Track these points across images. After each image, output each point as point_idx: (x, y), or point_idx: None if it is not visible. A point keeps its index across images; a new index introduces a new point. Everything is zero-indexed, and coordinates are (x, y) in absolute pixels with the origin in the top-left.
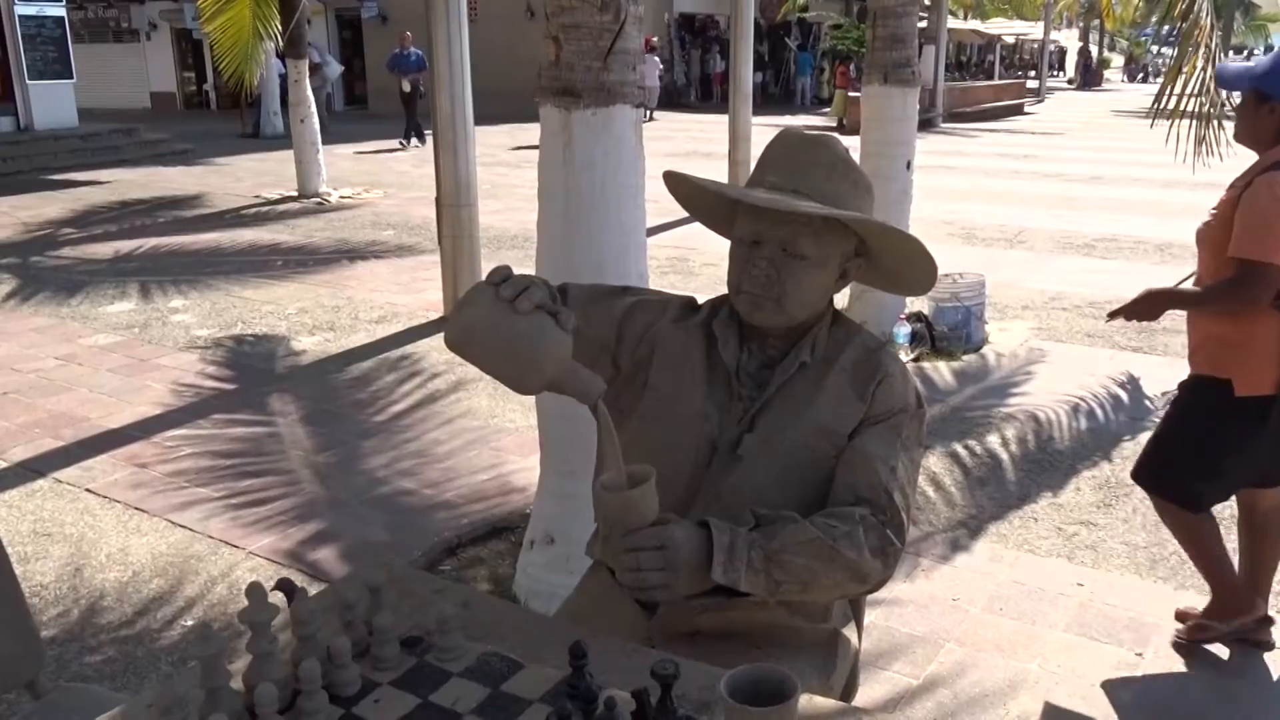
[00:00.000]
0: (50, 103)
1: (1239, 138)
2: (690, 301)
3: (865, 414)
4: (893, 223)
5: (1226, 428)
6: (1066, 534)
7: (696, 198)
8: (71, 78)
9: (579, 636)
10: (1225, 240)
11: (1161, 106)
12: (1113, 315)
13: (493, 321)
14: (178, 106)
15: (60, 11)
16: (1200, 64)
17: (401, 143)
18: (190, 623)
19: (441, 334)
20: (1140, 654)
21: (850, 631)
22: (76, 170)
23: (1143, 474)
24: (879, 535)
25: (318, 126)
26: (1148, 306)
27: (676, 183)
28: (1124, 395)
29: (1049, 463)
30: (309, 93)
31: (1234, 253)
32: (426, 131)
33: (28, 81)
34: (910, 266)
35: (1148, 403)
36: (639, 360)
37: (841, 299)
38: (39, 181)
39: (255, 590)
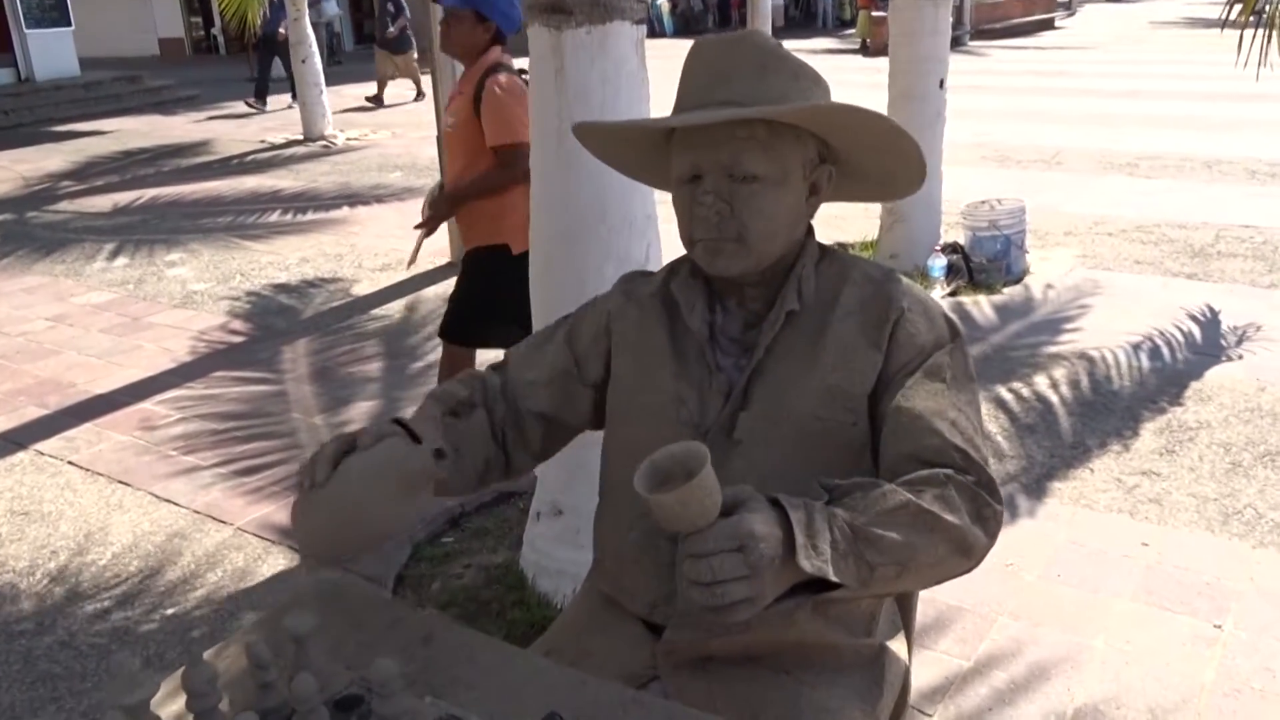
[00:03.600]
0: (50, 52)
1: (446, 49)
2: (639, 272)
3: (886, 364)
4: (926, 148)
5: (512, 282)
6: (1127, 486)
7: (617, 148)
8: (69, 25)
9: (562, 681)
10: (474, 139)
11: (1233, 17)
12: (419, 226)
13: (330, 498)
14: (186, 53)
15: None
16: None
17: (252, 103)
18: (171, 612)
19: (446, 281)
20: (1219, 625)
21: (899, 644)
22: (79, 121)
23: (449, 331)
24: (972, 497)
25: (320, 66)
26: (447, 209)
27: (590, 135)
28: (1183, 328)
29: (1104, 405)
30: (309, 31)
31: (492, 143)
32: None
33: (25, 30)
34: (890, 157)
35: (1222, 339)
36: (606, 359)
37: (872, 234)
38: (41, 133)
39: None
